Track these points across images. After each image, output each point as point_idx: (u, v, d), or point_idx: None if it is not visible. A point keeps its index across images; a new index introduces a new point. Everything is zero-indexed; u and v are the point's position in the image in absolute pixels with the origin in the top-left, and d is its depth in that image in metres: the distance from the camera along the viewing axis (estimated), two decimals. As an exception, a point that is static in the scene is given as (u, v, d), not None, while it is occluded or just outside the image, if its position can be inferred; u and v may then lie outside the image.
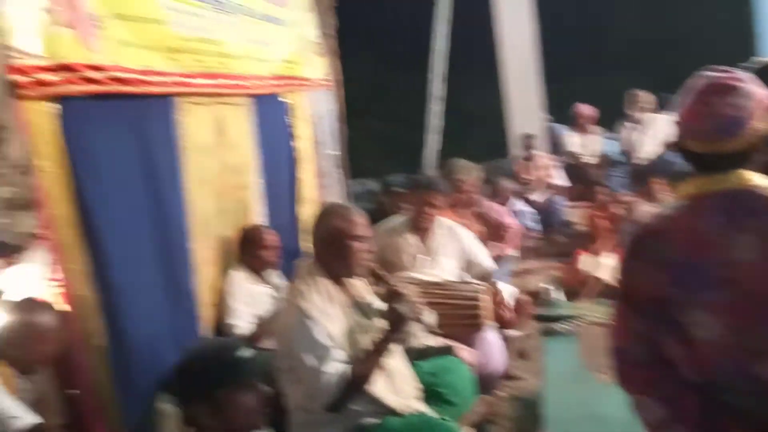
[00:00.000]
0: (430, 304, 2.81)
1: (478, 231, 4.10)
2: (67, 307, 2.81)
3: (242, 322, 3.17)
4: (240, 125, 3.63)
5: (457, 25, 8.47)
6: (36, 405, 2.29)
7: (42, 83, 2.06)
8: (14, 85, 2.00)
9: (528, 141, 7.24)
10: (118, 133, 2.52)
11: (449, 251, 3.60)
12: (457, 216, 4.05)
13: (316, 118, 5.49)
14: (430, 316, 2.71)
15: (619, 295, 1.63)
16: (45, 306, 2.37)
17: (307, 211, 4.55)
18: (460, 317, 3.17)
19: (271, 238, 3.44)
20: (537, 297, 4.47)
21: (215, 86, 3.20)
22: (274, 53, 4.01)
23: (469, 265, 3.64)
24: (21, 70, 1.98)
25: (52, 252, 2.35)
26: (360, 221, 2.38)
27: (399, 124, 12.87)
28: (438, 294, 3.14)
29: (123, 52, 2.44)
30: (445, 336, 3.01)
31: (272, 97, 4.05)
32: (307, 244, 4.43)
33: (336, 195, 5.67)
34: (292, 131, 4.41)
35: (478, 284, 3.38)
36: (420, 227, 3.58)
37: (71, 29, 2.15)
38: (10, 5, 1.93)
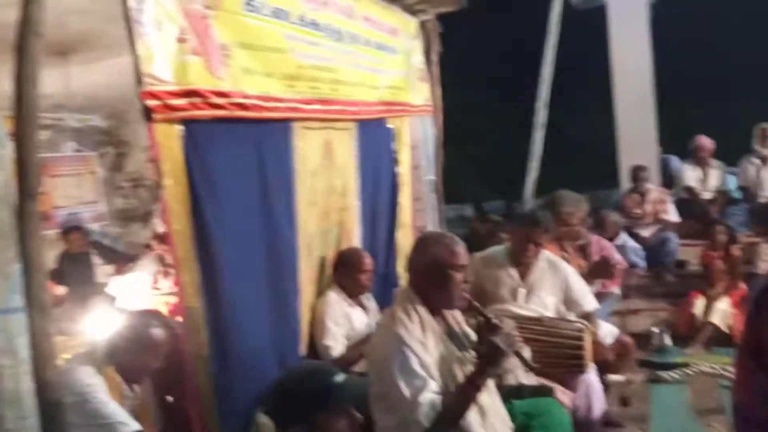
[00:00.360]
0: (528, 341, 2.71)
1: (580, 265, 3.93)
2: (176, 318, 2.97)
3: (337, 344, 3.21)
4: (345, 149, 3.72)
5: (561, 52, 8.31)
6: (136, 412, 2.42)
7: (170, 107, 2.21)
8: (146, 108, 2.15)
9: (639, 173, 6.77)
10: (237, 154, 2.66)
11: (550, 287, 3.44)
12: (560, 249, 3.90)
13: (416, 142, 5.55)
14: (527, 353, 2.62)
15: (743, 349, 1.52)
16: (160, 319, 2.51)
17: (403, 236, 4.58)
18: (560, 356, 3.03)
19: (369, 261, 3.48)
20: (643, 340, 4.21)
21: (327, 112, 3.31)
22: (383, 80, 4.10)
23: (570, 304, 3.47)
24: (153, 95, 2.13)
25: (169, 264, 2.47)
26: (461, 251, 2.35)
27: (496, 150, 12.74)
28: (536, 330, 3.03)
29: (245, 79, 2.58)
30: (542, 375, 2.89)
31: (377, 122, 4.12)
32: (402, 269, 4.47)
33: (431, 220, 5.67)
34: (396, 156, 4.46)
35: (580, 323, 3.22)
36: (522, 262, 3.46)
37: (200, 57, 2.30)
38: (151, 35, 2.09)
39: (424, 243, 2.44)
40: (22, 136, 1.74)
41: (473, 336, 2.46)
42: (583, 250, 4.31)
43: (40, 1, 1.75)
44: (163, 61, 2.17)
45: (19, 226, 1.72)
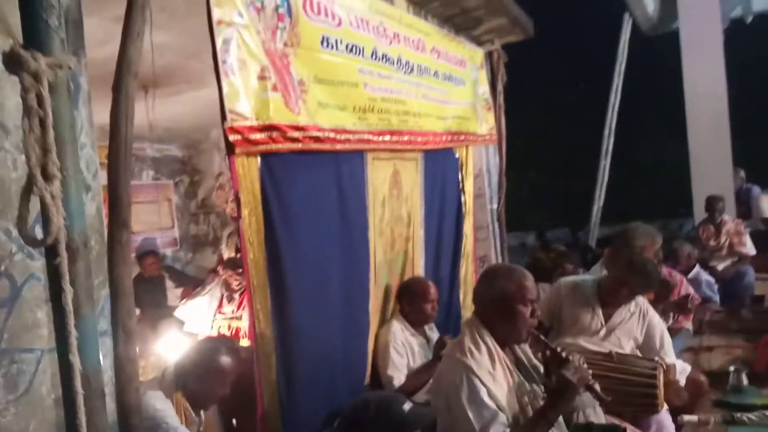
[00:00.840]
0: (598, 377, 2.63)
1: (651, 298, 3.78)
2: (243, 342, 3.04)
3: (400, 374, 3.21)
4: (412, 178, 3.77)
5: (630, 78, 8.16)
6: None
7: (251, 141, 2.31)
8: (228, 143, 2.25)
9: (715, 203, 6.47)
10: (311, 185, 2.75)
11: (630, 331, 3.28)
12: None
13: (479, 171, 5.56)
14: (598, 389, 2.54)
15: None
16: (229, 347, 2.56)
17: (466, 266, 4.57)
18: (631, 395, 2.91)
19: (434, 291, 3.46)
20: (718, 379, 4.00)
21: (396, 143, 3.38)
22: (450, 110, 4.15)
23: (647, 352, 3.27)
24: (236, 130, 2.24)
25: (233, 289, 2.54)
26: (530, 286, 2.30)
27: (561, 178, 12.54)
28: (607, 366, 2.93)
29: (320, 113, 2.68)
30: (612, 414, 2.79)
31: (443, 151, 4.16)
32: (464, 298, 4.45)
33: (493, 249, 5.63)
34: (461, 185, 4.47)
35: (653, 361, 3.09)
36: (614, 303, 3.27)
37: (279, 93, 2.41)
38: (235, 74, 2.21)
39: (492, 275, 2.40)
40: (115, 169, 1.84)
41: (542, 369, 2.42)
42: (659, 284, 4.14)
43: (137, 44, 1.87)
44: (246, 98, 2.28)
45: (108, 253, 1.81)
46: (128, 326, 1.86)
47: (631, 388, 2.93)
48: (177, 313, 5.21)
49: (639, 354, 3.26)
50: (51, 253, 0.97)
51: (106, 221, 1.84)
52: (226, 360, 2.42)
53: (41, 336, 1.74)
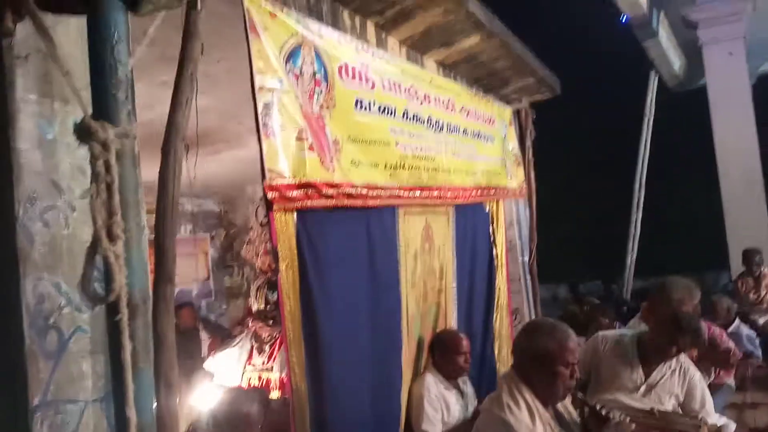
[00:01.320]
0: (641, 435, 2.58)
1: (692, 356, 3.68)
2: (272, 393, 3.06)
3: (435, 429, 3.18)
4: (443, 232, 3.83)
5: (659, 132, 8.18)
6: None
7: (288, 199, 2.41)
8: (267, 200, 2.36)
9: (753, 256, 6.38)
10: (345, 239, 2.84)
11: (671, 389, 3.13)
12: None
13: (510, 224, 5.59)
14: (640, 447, 2.48)
15: None
16: (259, 397, 2.60)
17: (500, 319, 4.55)
18: (674, 452, 2.83)
19: (466, 343, 3.44)
20: (762, 437, 3.85)
21: (426, 198, 3.46)
22: (479, 166, 4.23)
23: (689, 412, 3.20)
24: (274, 188, 2.35)
25: (263, 340, 2.58)
26: (573, 347, 2.24)
27: (592, 230, 12.44)
28: (649, 424, 2.85)
29: (353, 170, 2.79)
30: (657, 472, 2.72)
31: (474, 205, 4.23)
32: (499, 351, 4.41)
33: (526, 301, 5.59)
34: (492, 238, 4.51)
35: (696, 419, 2.99)
36: (655, 361, 3.14)
37: (315, 153, 2.53)
38: (276, 136, 2.33)
39: (534, 331, 2.34)
40: (162, 226, 1.92)
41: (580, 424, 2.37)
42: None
43: (184, 110, 2.00)
44: (284, 157, 2.40)
45: (153, 308, 1.88)
46: (170, 379, 1.91)
47: (674, 446, 2.84)
48: (206, 365, 5.25)
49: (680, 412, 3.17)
50: (112, 309, 1.04)
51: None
52: (254, 409, 2.47)
53: (85, 387, 1.80)
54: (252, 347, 4.83)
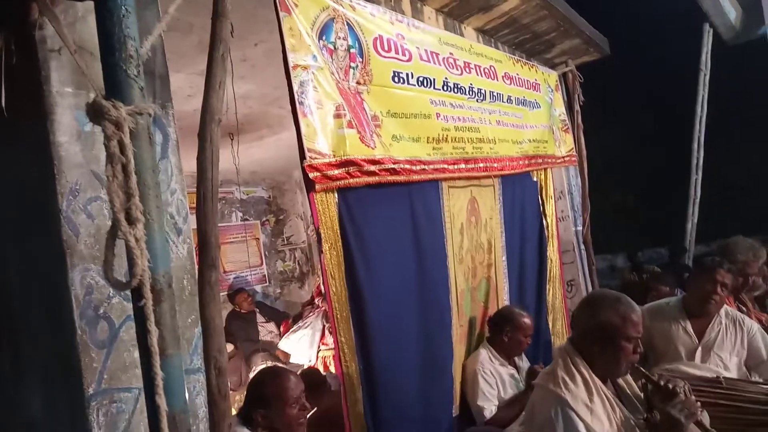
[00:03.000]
0: (706, 405, 2.45)
1: (760, 319, 3.50)
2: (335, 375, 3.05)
3: (491, 405, 3.12)
4: (490, 205, 3.73)
5: (716, 90, 7.73)
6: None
7: (329, 177, 2.37)
8: (308, 181, 2.32)
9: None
10: (388, 216, 2.79)
11: (731, 346, 3.06)
12: (736, 302, 3.51)
13: (561, 193, 5.41)
14: (706, 420, 2.35)
15: None
16: (287, 369, 2.55)
17: (553, 290, 4.43)
18: (745, 423, 2.68)
19: (530, 323, 3.34)
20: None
21: (471, 170, 3.36)
22: (525, 134, 4.10)
23: (755, 366, 3.06)
24: (315, 168, 2.31)
25: (330, 324, 2.55)
26: (637, 320, 2.12)
27: (649, 196, 11.99)
28: (716, 394, 2.72)
29: (394, 146, 2.72)
30: (725, 445, 2.58)
31: (521, 176, 4.10)
32: (553, 324, 4.30)
33: (580, 272, 5.43)
34: (542, 209, 4.38)
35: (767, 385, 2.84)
36: (702, 313, 3.09)
37: (354, 130, 2.47)
38: (312, 114, 2.29)
39: (596, 303, 2.21)
40: (203, 213, 1.92)
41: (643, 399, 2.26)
42: (763, 302, 3.85)
43: (219, 93, 1.98)
44: (323, 136, 2.35)
45: (199, 293, 1.88)
46: (219, 363, 1.92)
47: (744, 416, 2.70)
48: (282, 346, 5.38)
49: (746, 370, 3.02)
50: (136, 295, 1.03)
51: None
52: (282, 378, 2.35)
53: (138, 375, 1.82)
54: (323, 327, 4.87)
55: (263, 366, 5.08)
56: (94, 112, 0.96)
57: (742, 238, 3.83)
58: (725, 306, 3.16)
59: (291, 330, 5.46)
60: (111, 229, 0.98)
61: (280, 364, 4.65)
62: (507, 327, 3.29)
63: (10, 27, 1.75)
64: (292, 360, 5.13)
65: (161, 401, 0.99)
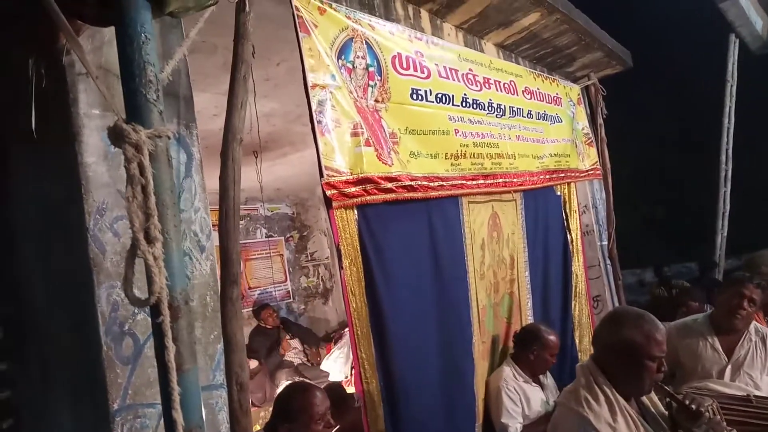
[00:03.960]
0: (736, 424, 2.39)
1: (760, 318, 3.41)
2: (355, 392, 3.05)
3: (515, 422, 3.09)
4: (511, 220, 3.71)
5: (743, 100, 7.60)
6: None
7: (346, 195, 2.40)
8: (326, 198, 2.35)
9: None
10: (407, 232, 2.79)
11: (761, 364, 2.99)
12: (766, 318, 3.43)
13: (586, 207, 5.36)
14: (735, 439, 2.29)
15: None
16: (313, 385, 2.57)
17: (579, 307, 4.37)
18: (777, 443, 2.62)
19: (557, 341, 3.29)
20: None
21: (491, 186, 3.36)
22: (547, 149, 4.09)
23: None
24: (332, 186, 2.34)
25: (350, 341, 2.57)
26: (661, 340, 2.07)
27: (677, 209, 11.78)
28: (748, 413, 2.65)
29: (412, 162, 2.74)
30: (756, 465, 2.52)
31: (544, 190, 4.08)
32: (580, 341, 4.24)
33: (607, 288, 5.35)
34: (565, 224, 4.34)
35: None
36: (730, 329, 3.04)
37: (371, 147, 2.50)
38: (331, 133, 2.32)
39: (618, 321, 2.16)
40: (225, 230, 1.96)
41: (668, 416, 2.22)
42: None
43: (240, 114, 2.02)
44: (341, 154, 2.38)
45: (222, 309, 1.91)
46: (241, 378, 1.94)
47: (776, 435, 2.63)
48: (323, 366, 5.52)
49: None
50: (155, 311, 1.06)
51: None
52: (309, 394, 2.40)
53: (162, 392, 1.86)
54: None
55: (288, 382, 5.11)
56: (115, 136, 1.01)
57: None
58: (755, 323, 3.10)
59: (332, 351, 5.65)
60: (131, 248, 1.01)
61: (307, 380, 4.69)
62: (534, 345, 3.23)
63: (40, 52, 1.82)
64: (330, 378, 5.23)
65: (178, 416, 1.01)
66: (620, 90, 5.50)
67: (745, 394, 2.84)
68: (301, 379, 5.16)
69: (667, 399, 2.22)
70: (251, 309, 6.50)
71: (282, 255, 7.30)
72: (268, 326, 6.19)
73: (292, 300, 7.30)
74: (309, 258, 7.59)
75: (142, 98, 1.04)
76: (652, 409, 2.21)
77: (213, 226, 2.02)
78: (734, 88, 7.40)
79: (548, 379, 3.41)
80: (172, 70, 1.94)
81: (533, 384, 3.28)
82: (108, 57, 1.84)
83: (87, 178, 1.78)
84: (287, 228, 7.42)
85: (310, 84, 2.30)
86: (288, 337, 6.18)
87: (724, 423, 2.10)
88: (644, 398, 2.23)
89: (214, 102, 3.52)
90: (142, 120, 1.04)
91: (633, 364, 2.06)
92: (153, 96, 1.04)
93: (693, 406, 2.07)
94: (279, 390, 4.78)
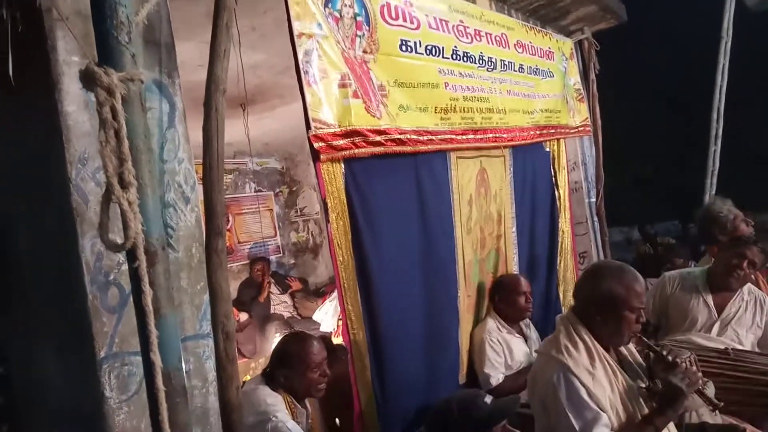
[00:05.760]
0: (711, 375, 2.46)
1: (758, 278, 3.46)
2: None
3: (497, 372, 3.17)
4: (500, 175, 3.71)
5: (736, 58, 7.53)
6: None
7: (334, 148, 2.38)
8: (313, 151, 2.33)
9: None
10: (395, 187, 2.79)
11: (750, 323, 3.05)
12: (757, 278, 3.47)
13: (575, 164, 5.36)
14: (711, 390, 2.36)
15: None
16: (310, 335, 2.63)
17: (564, 262, 4.42)
18: (752, 394, 2.70)
19: (526, 283, 3.40)
20: None
21: (481, 141, 3.34)
22: (538, 104, 4.05)
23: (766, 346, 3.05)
24: (320, 138, 2.32)
25: (338, 293, 2.59)
26: (640, 291, 2.13)
27: (666, 168, 11.82)
28: (722, 364, 2.73)
29: (401, 116, 2.71)
30: (729, 414, 2.60)
31: (533, 146, 4.06)
32: (564, 296, 4.31)
33: (594, 244, 5.41)
34: (554, 180, 4.35)
35: (775, 355, 2.84)
36: (725, 287, 3.08)
37: (360, 99, 2.47)
38: (317, 84, 2.29)
39: (599, 273, 2.21)
40: (209, 182, 1.95)
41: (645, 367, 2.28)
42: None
43: (223, 63, 1.98)
44: (328, 106, 2.35)
45: (207, 260, 1.92)
46: (227, 328, 1.96)
47: (750, 387, 2.72)
48: (315, 317, 5.62)
49: (758, 349, 3.02)
50: (131, 256, 1.07)
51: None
52: (306, 344, 2.46)
53: (150, 340, 1.88)
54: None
55: (278, 335, 5.19)
56: (87, 79, 0.99)
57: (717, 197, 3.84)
58: (749, 284, 3.14)
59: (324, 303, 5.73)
60: (105, 193, 1.01)
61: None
62: (501, 291, 3.37)
63: (15, -5, 1.77)
64: (321, 329, 5.32)
65: (156, 359, 1.03)
66: (613, 45, 5.42)
67: (724, 347, 2.92)
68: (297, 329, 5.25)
69: (646, 350, 2.27)
70: (244, 263, 6.54)
71: (271, 210, 7.29)
72: (258, 280, 6.23)
73: (282, 255, 7.33)
74: (299, 213, 7.58)
75: (113, 40, 1.02)
76: (630, 359, 2.28)
77: (199, 179, 2.01)
78: (729, 44, 7.33)
79: (532, 332, 3.49)
80: (152, 15, 1.91)
81: (516, 335, 3.35)
82: (87, 2, 1.78)
83: (68, 127, 1.76)
84: (276, 183, 7.39)
85: (296, 33, 2.26)
86: (267, 282, 6.17)
87: (700, 374, 2.15)
88: (623, 348, 2.29)
89: (198, 52, 3.44)
90: (114, 63, 1.02)
91: (612, 314, 2.11)
92: (125, 38, 1.02)
93: (669, 357, 2.12)
94: (271, 341, 4.86)
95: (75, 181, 1.76)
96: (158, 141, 1.93)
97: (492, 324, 3.31)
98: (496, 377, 3.15)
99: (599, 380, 2.08)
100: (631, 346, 2.34)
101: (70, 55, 1.78)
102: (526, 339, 3.40)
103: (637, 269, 2.22)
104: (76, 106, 1.78)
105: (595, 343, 2.14)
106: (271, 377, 2.44)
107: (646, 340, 2.27)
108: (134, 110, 1.03)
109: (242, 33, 2.30)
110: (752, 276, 3.19)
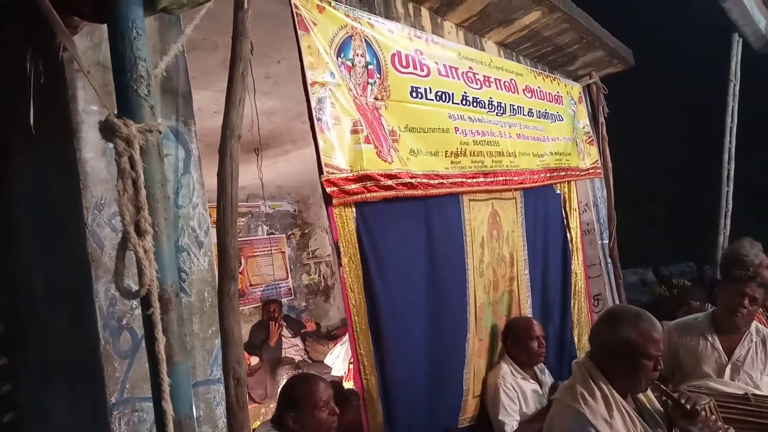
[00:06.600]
0: (734, 422, 2.40)
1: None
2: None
3: (511, 419, 3.10)
4: (511, 218, 3.72)
5: (746, 100, 7.57)
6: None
7: (346, 192, 2.41)
8: (326, 195, 2.36)
9: None
10: (406, 230, 2.80)
11: (762, 365, 2.97)
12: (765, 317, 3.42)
13: (587, 206, 5.36)
14: (732, 438, 2.29)
15: None
16: (316, 375, 2.60)
17: (578, 305, 4.38)
18: (774, 441, 2.62)
19: (538, 327, 3.33)
20: None
21: (491, 184, 3.36)
22: (547, 147, 4.08)
23: None
24: (332, 182, 2.34)
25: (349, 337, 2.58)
26: (658, 338, 2.09)
27: (680, 209, 11.75)
28: (743, 410, 2.66)
29: (412, 160, 2.75)
30: (752, 463, 2.52)
31: (544, 189, 4.08)
32: (579, 339, 4.24)
33: (607, 286, 5.35)
34: (565, 222, 4.34)
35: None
36: (731, 328, 3.02)
37: (371, 145, 2.50)
38: (330, 130, 2.33)
39: (616, 319, 2.17)
40: (223, 226, 1.96)
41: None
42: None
43: (239, 111, 2.03)
44: (340, 151, 2.39)
45: (219, 305, 1.92)
46: (238, 373, 1.95)
47: (773, 433, 2.63)
48: (326, 361, 5.60)
49: None
50: (145, 303, 1.08)
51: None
52: (311, 382, 2.43)
53: (161, 386, 1.87)
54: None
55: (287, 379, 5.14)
56: (106, 130, 1.02)
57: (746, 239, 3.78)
58: (756, 323, 3.09)
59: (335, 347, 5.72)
60: (121, 241, 1.02)
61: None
62: (513, 336, 3.30)
63: (38, 48, 1.83)
64: (332, 374, 5.28)
65: (167, 407, 1.02)
66: (623, 89, 5.48)
67: (743, 392, 2.84)
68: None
69: (663, 397, 2.22)
70: (256, 305, 6.52)
71: (283, 252, 7.31)
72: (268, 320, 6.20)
73: (293, 297, 7.31)
74: (310, 255, 7.60)
75: (133, 93, 1.05)
76: (648, 406, 2.22)
77: (213, 222, 2.03)
78: (737, 87, 7.38)
79: (546, 377, 3.42)
80: (170, 66, 1.97)
81: (531, 381, 3.28)
82: (106, 53, 1.84)
83: (85, 174, 1.79)
84: (289, 225, 7.43)
85: (309, 81, 2.31)
86: (278, 326, 6.13)
87: (720, 422, 2.10)
88: (641, 395, 2.24)
89: (214, 99, 3.53)
90: (133, 115, 1.05)
91: (630, 362, 2.06)
92: (144, 91, 1.05)
93: (688, 405, 2.07)
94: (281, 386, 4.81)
95: (91, 226, 1.79)
96: (173, 186, 1.97)
97: (506, 369, 3.25)
98: (511, 424, 3.08)
99: (617, 430, 2.03)
100: (650, 392, 2.29)
101: (89, 105, 1.84)
102: (540, 384, 3.33)
103: (653, 311, 2.19)
104: (93, 153, 1.82)
105: (613, 391, 2.09)
106: (279, 423, 2.40)
107: (663, 387, 2.22)
108: (152, 159, 1.06)
109: (257, 80, 2.36)
110: (757, 315, 3.15)
